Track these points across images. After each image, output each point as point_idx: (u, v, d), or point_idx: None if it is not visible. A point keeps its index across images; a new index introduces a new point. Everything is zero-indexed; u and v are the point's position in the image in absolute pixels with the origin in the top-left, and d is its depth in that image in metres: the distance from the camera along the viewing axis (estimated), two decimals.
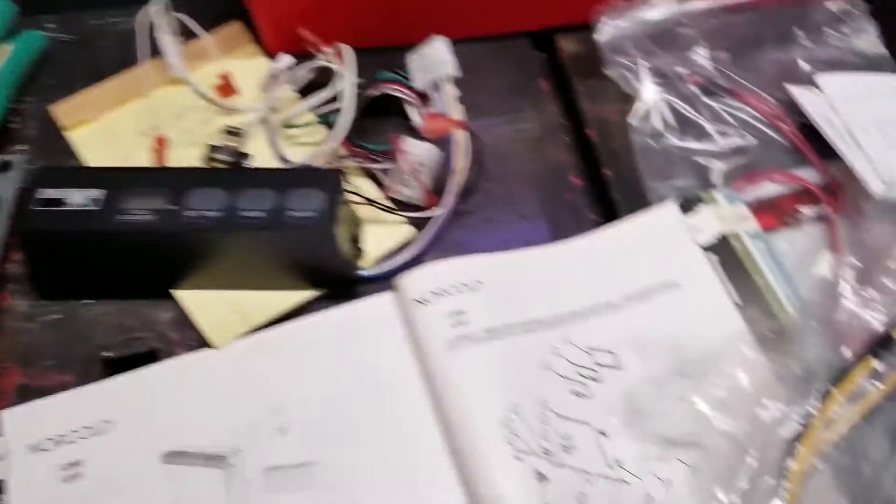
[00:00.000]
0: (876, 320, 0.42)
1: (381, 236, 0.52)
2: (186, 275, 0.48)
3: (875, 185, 0.49)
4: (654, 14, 0.59)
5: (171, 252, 0.46)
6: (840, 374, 0.40)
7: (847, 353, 0.41)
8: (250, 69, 0.58)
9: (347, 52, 0.53)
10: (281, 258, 0.47)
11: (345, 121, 0.52)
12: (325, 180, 0.47)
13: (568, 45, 0.63)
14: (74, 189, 0.45)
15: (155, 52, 0.58)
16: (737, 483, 0.38)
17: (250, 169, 0.49)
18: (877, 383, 0.40)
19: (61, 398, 0.45)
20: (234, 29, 0.60)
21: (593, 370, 0.45)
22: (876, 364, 0.40)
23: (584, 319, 0.47)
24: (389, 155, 0.52)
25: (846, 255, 0.44)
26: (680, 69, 0.58)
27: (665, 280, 0.49)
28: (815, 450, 0.39)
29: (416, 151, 0.50)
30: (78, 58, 0.60)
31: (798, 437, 0.38)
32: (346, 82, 0.53)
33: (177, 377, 0.46)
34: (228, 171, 0.48)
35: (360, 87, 0.53)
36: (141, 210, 0.44)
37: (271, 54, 0.59)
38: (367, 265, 0.50)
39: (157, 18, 0.56)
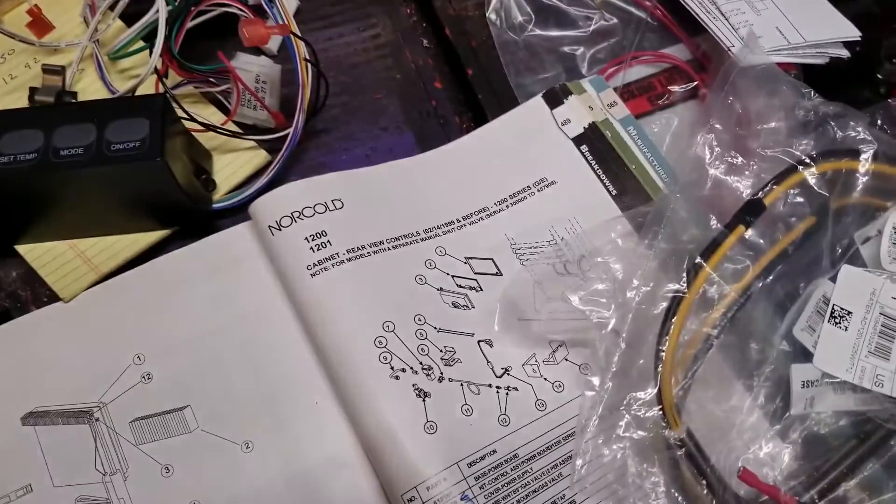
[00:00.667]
0: (745, 187, 0.40)
1: (234, 165, 0.48)
2: (24, 227, 0.44)
3: (738, 50, 0.47)
4: None
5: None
6: (711, 247, 0.38)
7: (717, 224, 0.39)
8: (65, 1, 0.52)
9: None
10: (114, 197, 0.43)
11: (160, 39, 0.47)
12: (149, 107, 0.42)
13: None
14: None
15: None
16: (611, 369, 0.36)
17: (67, 104, 0.44)
18: (751, 254, 0.38)
19: None
20: None
21: (472, 279, 0.43)
22: (748, 233, 0.38)
23: (459, 228, 0.45)
24: (226, 76, 0.48)
25: (711, 124, 0.42)
26: None
27: (539, 178, 0.47)
28: (696, 330, 0.37)
29: (250, 67, 0.46)
30: None
31: (670, 315, 0.36)
32: (161, 4, 0.47)
33: (28, 335, 0.42)
34: (42, 109, 0.43)
35: (181, 4, 0.48)
36: None
37: None
38: (222, 196, 0.46)
39: None
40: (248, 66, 0.46)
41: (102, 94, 0.49)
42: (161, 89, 0.47)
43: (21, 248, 0.45)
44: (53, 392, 0.41)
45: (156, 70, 0.46)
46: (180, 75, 0.48)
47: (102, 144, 0.41)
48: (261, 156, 0.48)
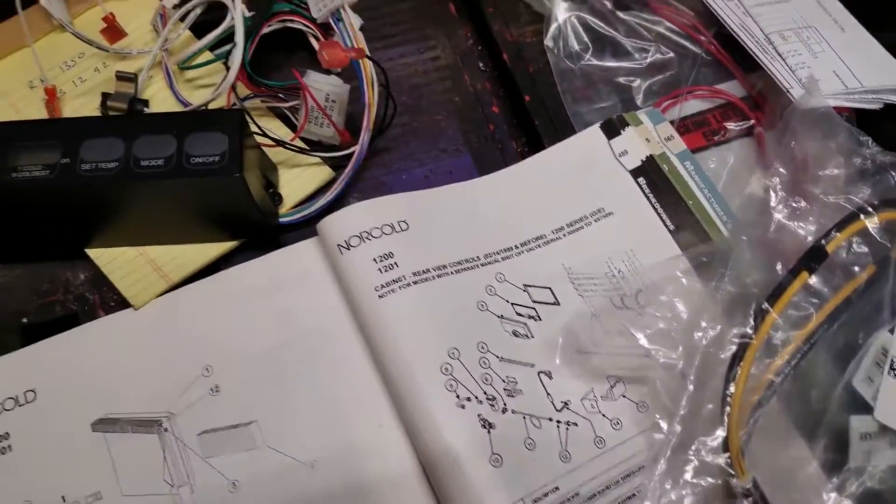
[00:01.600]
0: (807, 232, 0.40)
1: (299, 180, 0.49)
2: (96, 232, 0.45)
3: (796, 92, 0.48)
4: None
5: (73, 209, 0.43)
6: (776, 292, 0.39)
7: (781, 269, 0.40)
8: (137, 9, 0.54)
9: None
10: (188, 208, 0.44)
11: (238, 56, 0.48)
12: (227, 122, 0.43)
13: None
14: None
15: None
16: (679, 412, 0.37)
17: (146, 115, 0.45)
18: (815, 301, 0.39)
19: None
20: None
21: (530, 308, 0.44)
22: (811, 280, 0.39)
23: (517, 255, 0.46)
24: (295, 92, 0.49)
25: (774, 167, 0.43)
26: None
27: (596, 209, 0.47)
28: (759, 375, 0.38)
29: (320, 86, 0.47)
30: None
31: (736, 360, 0.37)
32: (237, 15, 0.49)
33: (98, 340, 0.43)
34: (122, 119, 0.44)
35: (256, 20, 0.49)
36: (32, 166, 0.40)
37: None
38: (287, 211, 0.47)
39: None
40: (319, 85, 0.47)
41: (170, 102, 0.50)
42: (232, 102, 0.48)
43: (91, 252, 0.46)
44: (123, 399, 0.42)
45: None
46: (249, 89, 0.49)
47: (182, 157, 0.42)
48: (325, 172, 0.49)
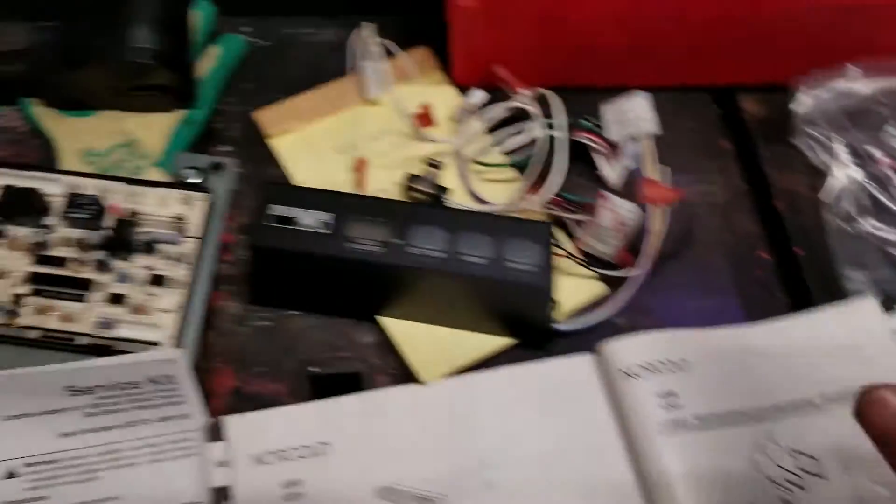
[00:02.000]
0: None
1: (573, 290, 0.52)
2: (395, 304, 0.49)
3: None
4: (852, 88, 0.57)
5: (388, 282, 0.47)
6: None
7: None
8: (438, 97, 0.59)
9: (554, 99, 0.54)
10: (493, 305, 0.48)
11: (536, 169, 0.53)
12: (539, 232, 0.48)
13: (751, 105, 0.63)
14: (305, 210, 0.46)
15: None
16: None
17: (469, 212, 0.49)
18: None
19: (282, 412, 0.47)
20: (422, 54, 0.60)
21: (797, 475, 0.45)
22: None
23: (786, 417, 0.46)
24: (586, 207, 0.52)
25: None
26: (872, 149, 0.57)
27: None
28: None
29: (620, 210, 0.50)
30: (272, 64, 0.61)
31: None
32: (542, 130, 0.54)
33: (388, 407, 0.47)
34: (448, 211, 0.48)
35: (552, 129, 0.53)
36: (368, 240, 0.45)
37: (459, 84, 0.59)
38: (561, 318, 0.50)
39: (367, 40, 0.56)
40: (618, 209, 0.50)
41: (460, 193, 0.55)
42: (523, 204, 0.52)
43: (384, 321, 0.50)
44: (404, 470, 0.45)
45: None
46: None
47: (500, 260, 0.46)
48: (599, 287, 0.52)
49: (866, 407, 0.31)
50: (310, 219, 0.45)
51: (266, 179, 0.56)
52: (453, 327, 0.49)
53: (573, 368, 0.48)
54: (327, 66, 0.61)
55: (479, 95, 0.55)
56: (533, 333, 0.49)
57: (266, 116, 0.57)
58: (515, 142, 0.54)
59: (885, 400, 0.30)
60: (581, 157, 0.57)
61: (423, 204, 0.51)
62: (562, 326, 0.50)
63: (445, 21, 0.60)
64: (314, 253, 0.45)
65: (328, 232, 0.45)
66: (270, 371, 0.49)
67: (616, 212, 0.50)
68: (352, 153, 0.56)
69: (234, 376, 0.49)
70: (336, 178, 0.55)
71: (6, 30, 0.58)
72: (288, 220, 0.45)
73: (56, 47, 0.52)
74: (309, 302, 0.51)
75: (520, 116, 0.56)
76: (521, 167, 0.55)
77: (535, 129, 0.54)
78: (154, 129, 0.55)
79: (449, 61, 0.60)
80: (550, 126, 0.54)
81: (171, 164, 0.54)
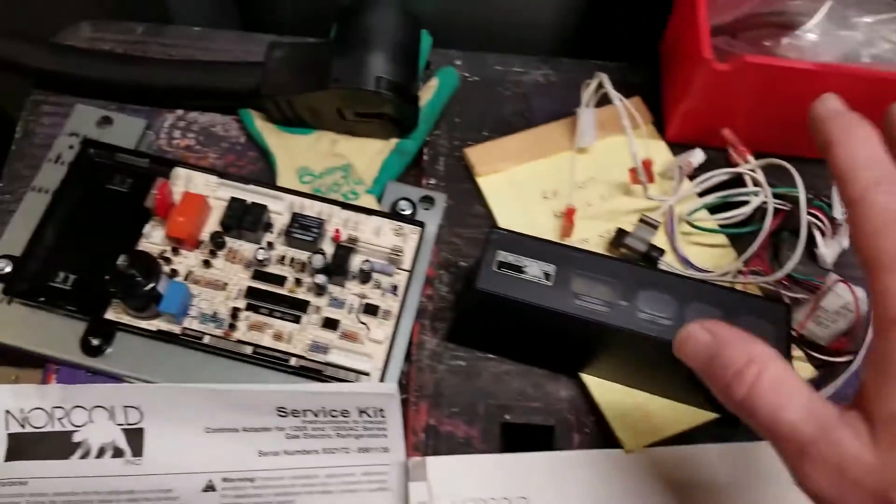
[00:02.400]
0: None
1: None
2: (604, 365, 0.49)
3: None
4: None
5: (605, 343, 0.46)
6: None
7: None
8: (649, 152, 0.57)
9: (787, 171, 0.52)
10: (694, 376, 0.45)
11: (759, 244, 0.51)
12: (776, 314, 0.45)
13: None
14: (530, 259, 0.45)
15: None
16: None
17: (697, 281, 0.47)
18: None
19: (481, 460, 0.47)
20: (634, 104, 0.59)
21: None
22: None
23: None
24: (806, 285, 0.50)
25: None
26: None
27: None
28: None
29: (849, 297, 0.48)
30: (480, 100, 0.60)
31: None
32: (766, 200, 0.52)
33: (587, 469, 0.46)
34: (675, 277, 0.47)
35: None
36: (593, 298, 0.44)
37: (670, 141, 0.57)
38: None
39: (593, 87, 0.56)
40: (848, 296, 0.48)
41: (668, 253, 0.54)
42: (749, 281, 0.51)
43: (586, 379, 0.49)
44: None
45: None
46: (765, 270, 0.51)
47: None
48: (808, 370, 0.50)
49: (678, 344, 0.36)
50: (535, 269, 0.45)
51: (472, 215, 0.57)
52: (659, 395, 0.48)
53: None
54: (533, 108, 0.60)
55: (699, 155, 0.54)
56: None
57: (475, 154, 0.57)
58: (741, 211, 0.52)
59: (693, 335, 0.34)
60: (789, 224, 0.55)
61: (645, 266, 0.49)
62: None
63: (659, 73, 0.61)
64: (538, 305, 0.44)
65: (550, 284, 0.44)
66: (463, 412, 0.49)
67: (845, 298, 0.48)
68: (557, 199, 0.55)
69: (428, 413, 0.48)
70: (540, 224, 0.55)
71: (250, 40, 0.60)
72: (513, 268, 0.44)
73: (294, 65, 0.53)
74: (509, 348, 0.51)
75: (734, 182, 0.55)
76: (733, 235, 0.54)
77: (758, 199, 0.51)
78: (367, 155, 0.56)
79: (664, 115, 0.59)
80: (777, 197, 0.52)
81: (382, 192, 0.54)
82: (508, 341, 0.50)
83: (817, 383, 0.50)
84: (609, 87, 0.53)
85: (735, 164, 0.55)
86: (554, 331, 0.46)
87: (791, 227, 0.53)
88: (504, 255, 0.45)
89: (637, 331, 0.44)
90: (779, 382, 0.30)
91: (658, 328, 0.44)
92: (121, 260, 0.44)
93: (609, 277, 0.45)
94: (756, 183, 0.53)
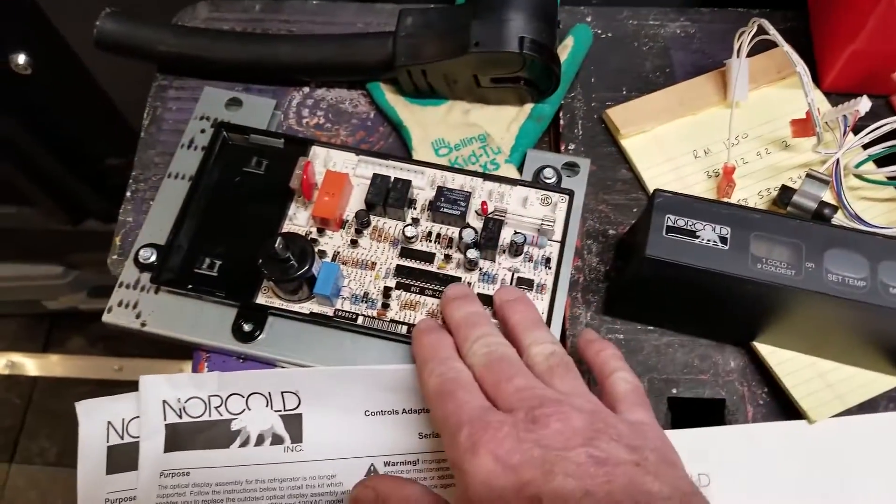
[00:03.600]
0: None
1: None
2: (780, 332, 0.45)
3: None
4: None
5: (789, 309, 0.43)
6: None
7: None
8: (804, 103, 0.52)
9: None
10: (885, 337, 0.43)
11: None
12: None
13: None
14: (704, 223, 0.42)
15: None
16: None
17: (885, 236, 0.43)
18: None
19: None
20: (784, 52, 0.54)
21: None
22: None
23: None
24: None
25: None
26: None
27: None
28: None
29: None
30: (615, 57, 0.57)
31: None
32: None
33: (773, 443, 0.44)
34: (860, 234, 0.43)
35: None
36: (776, 261, 0.41)
37: (827, 90, 0.53)
38: None
39: (746, 37, 0.51)
40: None
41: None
42: None
43: (760, 347, 0.46)
44: None
45: None
46: None
47: None
48: None
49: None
50: (708, 232, 0.41)
51: (617, 180, 0.54)
52: (843, 362, 0.44)
53: None
54: (674, 62, 0.57)
55: (866, 103, 0.49)
56: None
57: (618, 114, 0.53)
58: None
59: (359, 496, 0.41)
60: None
61: (826, 224, 0.45)
62: None
63: (806, 19, 0.57)
64: (715, 271, 0.40)
65: (726, 248, 0.41)
66: None
67: None
68: (710, 158, 0.52)
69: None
70: (693, 185, 0.51)
71: (370, 10, 0.57)
72: (684, 232, 0.41)
73: (429, 32, 0.50)
74: (673, 319, 0.48)
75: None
76: None
77: None
78: (502, 123, 0.53)
79: (818, 63, 0.54)
80: None
81: (522, 161, 0.51)
82: (673, 311, 0.47)
83: None
84: (773, 31, 0.49)
85: None
86: (730, 298, 0.43)
87: None
88: (673, 219, 0.42)
89: (828, 293, 0.40)
90: None
91: (850, 290, 0.40)
92: (277, 242, 0.42)
93: (791, 238, 0.41)
94: None
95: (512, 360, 0.39)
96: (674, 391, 0.46)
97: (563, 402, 0.36)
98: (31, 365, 1.46)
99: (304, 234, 0.47)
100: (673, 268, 0.41)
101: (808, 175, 0.49)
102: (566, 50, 0.54)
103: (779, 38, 0.49)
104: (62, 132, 0.92)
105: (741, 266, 0.41)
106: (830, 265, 0.41)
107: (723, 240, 0.42)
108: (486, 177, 0.49)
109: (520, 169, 0.52)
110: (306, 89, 0.56)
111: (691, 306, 0.45)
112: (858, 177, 0.50)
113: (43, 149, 0.91)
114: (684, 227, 0.42)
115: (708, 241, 0.42)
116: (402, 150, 0.54)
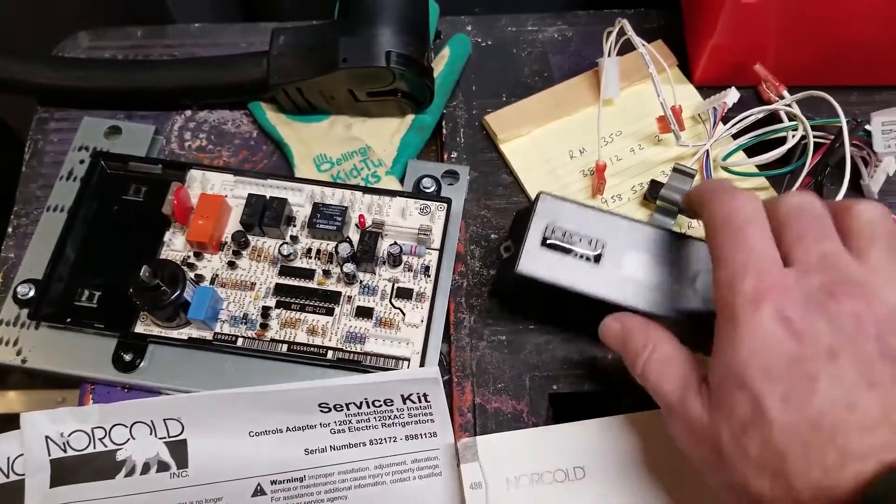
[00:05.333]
0: None
1: None
2: None
3: None
4: None
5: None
6: None
7: None
8: (676, 97, 0.54)
9: (826, 102, 0.50)
10: None
11: (801, 181, 0.49)
12: None
13: None
14: (577, 233, 0.43)
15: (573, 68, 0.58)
16: None
17: None
18: None
19: (533, 433, 0.45)
20: (657, 48, 0.56)
21: None
22: None
23: None
24: None
25: None
26: None
27: None
28: None
29: None
30: (495, 64, 0.58)
31: None
32: (805, 135, 0.50)
33: (645, 431, 0.44)
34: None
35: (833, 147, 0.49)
36: (645, 281, 0.42)
37: (698, 83, 0.55)
38: None
39: (615, 36, 0.53)
40: None
41: None
42: None
43: None
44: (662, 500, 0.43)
45: None
46: None
47: None
48: None
49: (601, 333, 0.42)
50: (581, 245, 0.42)
51: (498, 185, 0.55)
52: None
53: None
54: (552, 66, 0.58)
55: (734, 94, 0.51)
56: None
57: (496, 120, 0.54)
58: (780, 150, 0.49)
59: (609, 326, 0.42)
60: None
61: (700, 239, 0.45)
62: None
63: (679, 16, 0.58)
64: (581, 291, 0.42)
65: (598, 265, 0.42)
66: (509, 387, 0.48)
67: None
68: (585, 157, 0.53)
69: (473, 392, 0.47)
70: (568, 185, 0.53)
71: (253, 30, 0.58)
72: (557, 247, 0.42)
73: (299, 50, 0.51)
74: (550, 317, 0.49)
75: (768, 121, 0.52)
76: (773, 177, 0.51)
77: (797, 134, 0.49)
78: (384, 136, 0.54)
79: (689, 58, 0.56)
80: (815, 130, 0.49)
81: (403, 172, 0.52)
82: (550, 311, 0.47)
83: None
84: (631, 32, 0.51)
85: (769, 102, 0.52)
86: (601, 309, 0.43)
87: (832, 162, 0.49)
88: (547, 231, 0.42)
89: (694, 310, 0.41)
90: (663, 361, 0.38)
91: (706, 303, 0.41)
92: (143, 271, 0.42)
93: (666, 256, 0.42)
94: (792, 118, 0.50)
95: (825, 222, 0.35)
96: (554, 387, 0.47)
97: (868, 286, 0.32)
98: None
99: (181, 259, 0.48)
100: (542, 283, 0.42)
101: (674, 169, 0.50)
102: (443, 60, 0.55)
103: (635, 39, 0.51)
104: None
105: (608, 287, 0.42)
106: (698, 283, 0.42)
107: (596, 257, 0.43)
108: (366, 190, 0.50)
109: (402, 180, 0.52)
110: (188, 112, 0.57)
111: (567, 309, 0.46)
112: (725, 169, 0.51)
113: None
114: (558, 240, 0.42)
115: (581, 256, 0.42)
116: (286, 168, 0.54)
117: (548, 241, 0.42)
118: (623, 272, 0.42)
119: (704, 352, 0.38)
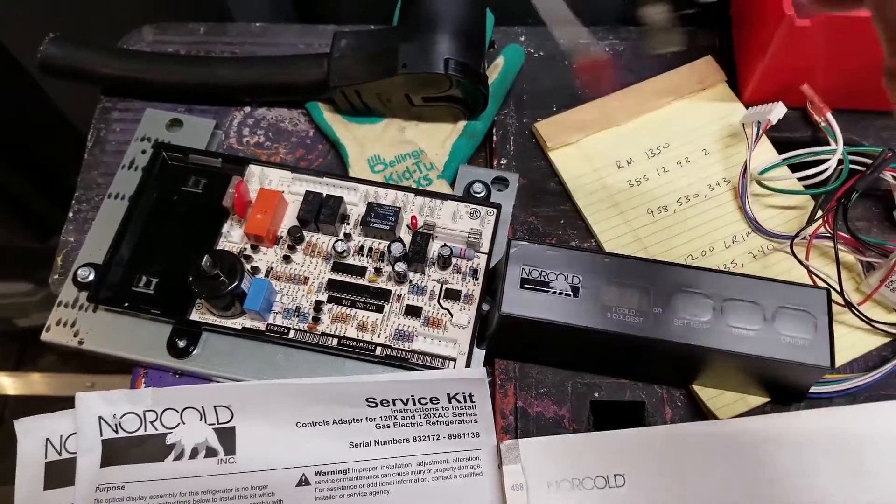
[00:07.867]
0: None
1: (845, 340, 0.48)
2: (652, 370, 0.48)
3: None
4: None
5: (645, 354, 0.45)
6: None
7: None
8: (724, 112, 0.56)
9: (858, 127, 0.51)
10: (760, 376, 0.45)
11: (829, 205, 0.49)
12: (817, 301, 0.43)
13: None
14: (554, 271, 0.44)
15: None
16: None
17: (732, 274, 0.45)
18: None
19: (575, 439, 0.45)
20: (706, 64, 0.57)
21: None
22: None
23: None
24: (879, 250, 0.48)
25: None
26: None
27: None
28: None
29: None
30: (547, 75, 0.59)
31: None
32: (838, 159, 0.50)
33: (685, 442, 0.45)
34: (710, 274, 0.45)
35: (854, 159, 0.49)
36: (624, 309, 0.43)
37: (746, 102, 0.56)
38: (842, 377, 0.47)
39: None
40: None
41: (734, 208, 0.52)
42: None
43: None
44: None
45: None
46: (829, 230, 0.48)
47: (771, 333, 0.43)
48: (877, 341, 0.49)
49: None
50: (558, 282, 0.43)
51: (547, 192, 0.56)
52: (708, 386, 0.48)
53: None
54: (601, 79, 0.58)
55: (780, 110, 0.51)
56: (791, 396, 0.47)
57: (545, 128, 0.55)
58: (817, 170, 0.50)
59: None
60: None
61: (687, 267, 0.46)
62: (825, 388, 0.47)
63: (730, 35, 0.59)
64: (564, 323, 0.43)
65: (577, 298, 0.43)
66: (551, 392, 0.48)
67: None
68: (632, 168, 0.54)
69: (516, 395, 0.47)
70: (615, 194, 0.53)
71: (311, 32, 0.59)
72: (536, 284, 0.43)
73: (360, 54, 0.52)
74: (552, 359, 0.49)
75: (810, 141, 0.53)
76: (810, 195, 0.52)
77: (836, 157, 0.49)
78: (436, 140, 0.55)
79: (739, 77, 0.57)
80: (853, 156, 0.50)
81: (454, 176, 0.53)
82: (549, 353, 0.49)
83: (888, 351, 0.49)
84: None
85: (814, 122, 0.53)
86: (590, 345, 0.45)
87: (860, 188, 0.50)
88: (528, 270, 0.43)
89: (670, 340, 0.42)
90: None
91: (694, 334, 0.43)
92: (204, 261, 0.43)
93: (640, 282, 0.43)
94: (834, 140, 0.50)
95: None
96: (596, 395, 0.48)
97: None
98: (3, 383, 1.46)
99: (238, 251, 0.49)
100: (529, 322, 0.43)
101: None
102: (497, 69, 0.56)
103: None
104: (27, 152, 0.93)
105: (590, 318, 0.43)
106: (677, 310, 0.43)
107: (575, 290, 0.43)
108: (419, 192, 0.51)
109: (453, 184, 0.53)
110: (247, 109, 0.58)
111: (565, 350, 0.48)
112: (759, 183, 0.52)
113: (7, 167, 0.92)
114: (538, 278, 0.44)
115: (560, 292, 0.43)
116: (340, 167, 0.55)
117: (526, 283, 0.43)
118: (601, 301, 0.43)
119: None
